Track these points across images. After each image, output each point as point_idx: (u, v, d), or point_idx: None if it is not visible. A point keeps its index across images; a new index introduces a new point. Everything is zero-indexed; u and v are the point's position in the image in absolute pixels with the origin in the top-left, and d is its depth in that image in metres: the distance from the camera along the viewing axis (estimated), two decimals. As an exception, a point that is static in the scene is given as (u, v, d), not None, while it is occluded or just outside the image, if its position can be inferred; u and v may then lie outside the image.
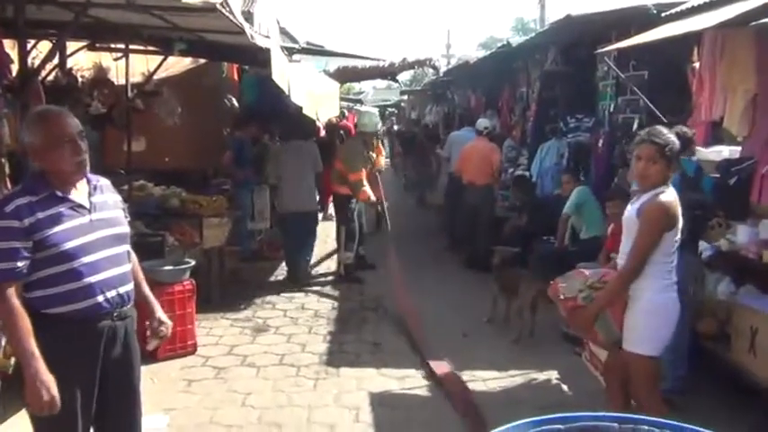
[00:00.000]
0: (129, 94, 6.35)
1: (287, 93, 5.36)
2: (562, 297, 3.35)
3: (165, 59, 5.16)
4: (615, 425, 1.72)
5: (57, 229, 2.43)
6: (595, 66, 7.36)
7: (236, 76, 9.84)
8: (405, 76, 40.99)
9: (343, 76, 9.20)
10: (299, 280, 7.46)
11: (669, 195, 3.11)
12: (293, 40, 14.64)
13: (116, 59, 5.36)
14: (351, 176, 7.42)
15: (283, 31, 23.74)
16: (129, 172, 5.84)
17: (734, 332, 4.18)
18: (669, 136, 3.15)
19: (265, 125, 9.91)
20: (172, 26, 4.36)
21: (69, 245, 2.45)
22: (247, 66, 7.36)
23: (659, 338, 3.17)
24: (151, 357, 4.93)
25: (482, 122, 8.45)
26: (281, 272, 8.00)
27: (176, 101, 6.67)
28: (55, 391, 2.32)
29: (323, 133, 11.79)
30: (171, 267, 5.23)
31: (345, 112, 20.54)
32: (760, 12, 3.95)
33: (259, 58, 4.91)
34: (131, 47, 5.32)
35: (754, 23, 3.80)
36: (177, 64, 7.39)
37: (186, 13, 3.73)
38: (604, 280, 3.29)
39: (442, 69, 15.30)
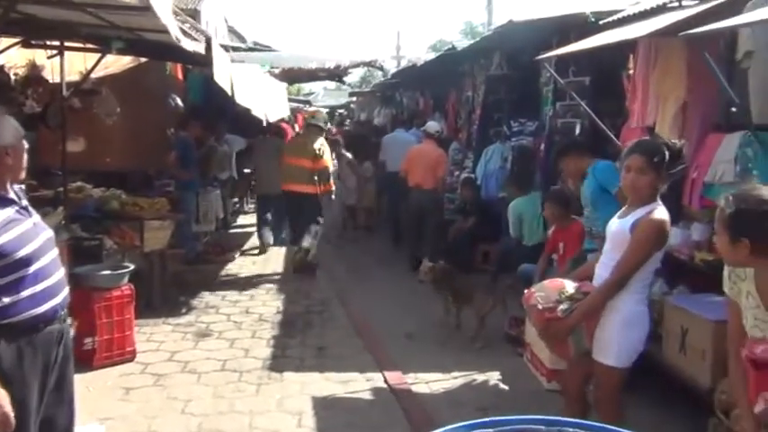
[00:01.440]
0: (66, 92, 6.19)
1: (230, 93, 5.29)
2: (540, 307, 3.26)
3: (102, 57, 5.00)
4: (542, 427, 1.76)
5: (13, 233, 2.37)
6: (538, 71, 7.49)
7: (180, 76, 9.63)
8: (354, 78, 40.95)
9: (289, 76, 9.14)
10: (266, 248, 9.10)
11: (663, 213, 3.06)
12: (241, 39, 14.52)
13: (50, 57, 5.17)
14: (321, 163, 7.88)
15: (231, 30, 23.47)
16: (65, 173, 5.62)
17: (665, 332, 4.32)
18: (657, 146, 3.10)
19: (211, 126, 9.80)
20: (109, 24, 4.23)
21: (26, 250, 2.39)
22: (189, 65, 7.21)
23: (633, 350, 3.14)
24: (87, 365, 4.82)
25: (433, 125, 8.51)
26: (226, 275, 7.90)
27: (116, 100, 6.48)
28: (8, 407, 2.24)
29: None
30: (108, 272, 5.09)
31: (295, 115, 20.33)
32: (690, 22, 4.09)
33: (200, 57, 4.81)
34: (68, 44, 5.14)
35: (682, 33, 3.92)
36: (117, 62, 7.17)
37: (121, 12, 3.62)
38: (584, 291, 3.22)
39: (392, 71, 15.37)
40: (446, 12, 79.82)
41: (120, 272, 5.10)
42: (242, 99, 5.48)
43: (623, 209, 3.26)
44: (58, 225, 4.87)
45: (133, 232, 6.19)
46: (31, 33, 4.88)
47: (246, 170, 12.39)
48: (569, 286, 3.27)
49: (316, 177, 7.85)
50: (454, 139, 9.93)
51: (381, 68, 11.10)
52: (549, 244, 5.92)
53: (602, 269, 3.22)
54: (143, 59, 7.58)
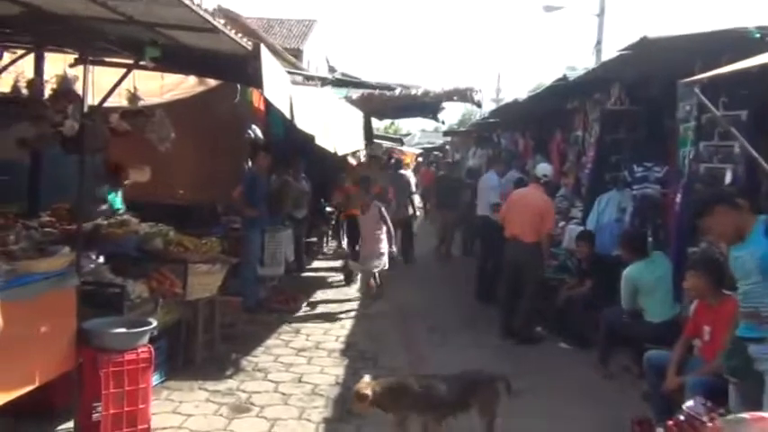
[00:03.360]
0: (114, 115, 5.42)
1: (289, 116, 4.32)
2: None
3: (131, 69, 4.11)
4: None
5: None
6: (669, 104, 6.05)
7: (262, 105, 8.84)
8: (452, 119, 40.20)
9: (369, 104, 8.08)
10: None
11: None
12: (333, 71, 13.82)
13: (72, 65, 4.34)
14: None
15: (332, 70, 23.34)
16: (82, 204, 4.61)
17: None
18: None
19: (287, 160, 8.96)
20: (124, 18, 3.30)
21: None
22: (235, 81, 6.29)
23: None
24: (90, 445, 3.80)
25: (543, 168, 7.21)
26: (287, 329, 6.80)
27: (170, 125, 5.62)
28: None
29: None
30: (121, 330, 4.06)
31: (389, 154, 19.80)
32: None
33: (250, 73, 3.80)
34: (94, 57, 4.29)
35: None
36: (180, 84, 6.41)
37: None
38: None
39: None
40: (549, 56, 77.89)
41: (136, 330, 4.07)
42: (303, 124, 4.50)
43: None
44: (67, 269, 3.91)
45: (176, 277, 5.23)
46: (46, 38, 4.06)
47: (329, 208, 11.54)
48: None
49: None
50: (561, 185, 8.55)
51: (479, 104, 9.87)
52: (690, 325, 4.46)
53: None
54: (212, 83, 6.83)
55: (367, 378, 3.89)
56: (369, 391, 3.74)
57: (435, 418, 3.95)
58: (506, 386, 4.09)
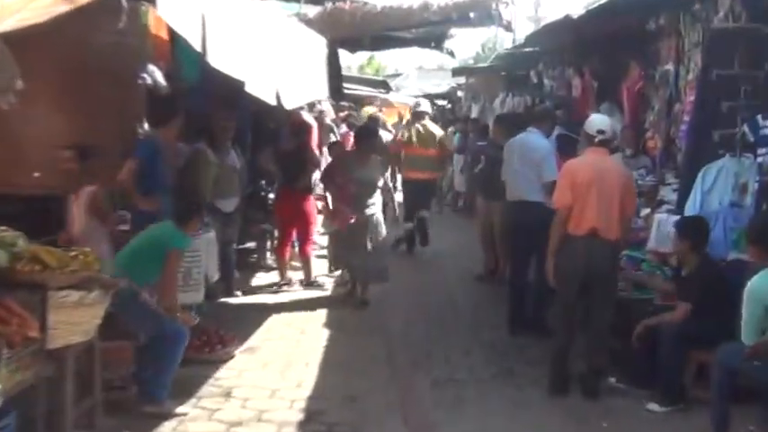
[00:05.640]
0: None
1: (199, 48, 4.41)
2: None
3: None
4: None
5: None
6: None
7: (164, 33, 8.87)
8: (466, 51, 40.18)
9: (336, 26, 7.99)
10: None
11: None
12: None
13: None
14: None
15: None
16: None
17: None
18: None
19: (207, 121, 9.31)
20: None
21: None
22: None
23: None
24: None
25: (598, 121, 7.08)
26: (211, 390, 6.72)
27: (15, 63, 5.50)
28: None
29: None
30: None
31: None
32: None
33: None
34: None
35: None
36: (31, 3, 6.27)
37: None
38: None
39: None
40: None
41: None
42: (223, 62, 4.61)
43: None
44: None
45: (29, 313, 5.18)
46: None
47: (271, 195, 11.56)
48: None
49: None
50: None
51: (508, 26, 9.89)
52: None
53: None
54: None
55: None
56: None
57: None
58: None
